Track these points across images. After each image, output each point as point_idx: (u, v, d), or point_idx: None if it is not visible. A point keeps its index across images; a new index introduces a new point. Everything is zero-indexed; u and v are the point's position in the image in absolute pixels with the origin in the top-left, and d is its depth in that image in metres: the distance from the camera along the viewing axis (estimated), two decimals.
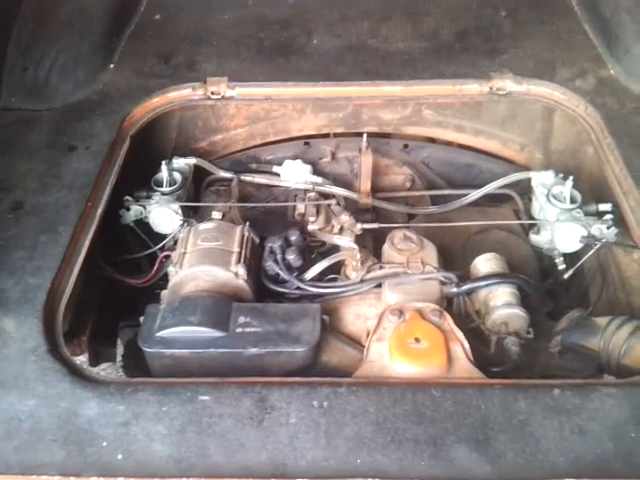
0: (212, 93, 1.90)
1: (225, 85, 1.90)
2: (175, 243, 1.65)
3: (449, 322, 1.34)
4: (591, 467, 1.04)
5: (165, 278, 1.60)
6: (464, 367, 1.26)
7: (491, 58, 1.99)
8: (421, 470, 1.04)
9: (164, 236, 1.74)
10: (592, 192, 1.83)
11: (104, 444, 1.08)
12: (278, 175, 1.95)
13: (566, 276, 1.74)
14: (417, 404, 1.13)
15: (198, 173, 1.93)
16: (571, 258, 1.76)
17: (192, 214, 1.80)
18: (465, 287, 1.49)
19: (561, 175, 1.83)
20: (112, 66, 1.99)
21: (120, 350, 1.74)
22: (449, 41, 2.06)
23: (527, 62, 1.98)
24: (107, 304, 1.73)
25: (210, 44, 2.07)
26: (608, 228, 1.67)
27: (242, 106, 1.99)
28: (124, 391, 1.17)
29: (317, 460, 1.05)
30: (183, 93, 1.90)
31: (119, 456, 1.07)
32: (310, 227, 1.69)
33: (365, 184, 1.93)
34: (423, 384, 1.19)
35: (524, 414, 1.11)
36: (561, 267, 1.76)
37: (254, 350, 1.31)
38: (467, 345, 1.30)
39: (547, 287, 1.74)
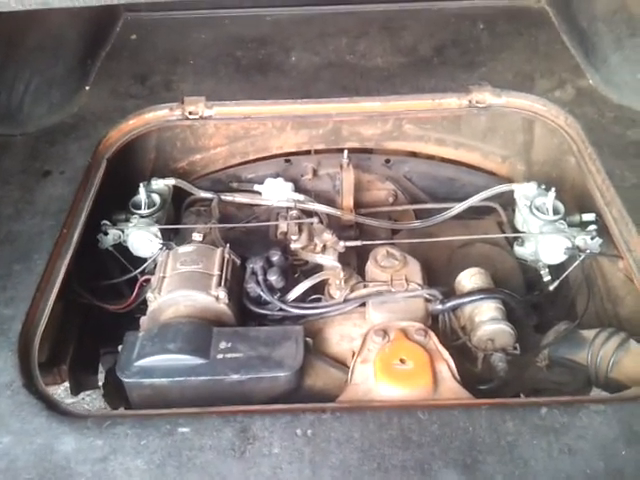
0: (190, 113, 1.87)
1: (203, 105, 1.87)
2: (155, 266, 1.62)
3: (434, 341, 1.32)
4: None
5: (146, 302, 1.57)
6: (450, 387, 1.24)
7: (470, 71, 1.99)
8: None
9: (144, 260, 1.71)
10: (575, 203, 1.83)
11: None
12: (259, 194, 1.93)
13: (552, 288, 1.72)
14: (403, 428, 1.10)
15: (178, 194, 1.91)
16: (556, 269, 1.75)
17: (172, 236, 1.78)
18: (450, 304, 1.46)
19: (543, 186, 1.83)
20: (87, 88, 1.96)
21: (102, 377, 1.71)
22: (427, 55, 2.06)
23: (506, 74, 1.98)
24: (87, 331, 1.69)
25: (187, 63, 2.05)
26: (592, 239, 1.66)
27: (221, 125, 1.98)
28: (102, 425, 1.13)
29: None
30: (160, 114, 1.87)
31: None
32: (293, 246, 1.67)
33: (347, 200, 1.91)
34: (409, 407, 1.16)
35: (512, 435, 1.08)
36: (546, 279, 1.75)
37: (235, 377, 1.28)
38: (453, 364, 1.28)
39: (533, 300, 1.72)
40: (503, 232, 1.88)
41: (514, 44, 2.11)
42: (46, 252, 1.45)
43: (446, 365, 1.28)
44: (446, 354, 1.29)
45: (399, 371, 1.24)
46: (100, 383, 1.71)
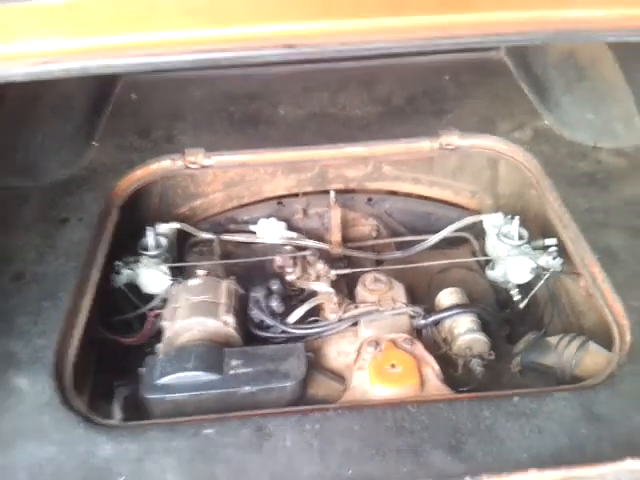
0: (190, 163, 2.05)
1: (202, 155, 2.05)
2: (164, 302, 1.80)
3: (420, 348, 1.51)
4: (550, 459, 1.20)
5: (154, 335, 1.73)
6: (435, 386, 1.43)
7: (438, 118, 2.20)
8: (404, 474, 1.18)
9: (151, 296, 1.88)
10: (538, 229, 2.04)
11: (121, 479, 1.20)
12: (255, 233, 2.13)
13: (521, 305, 1.93)
14: (396, 420, 1.28)
15: (181, 235, 2.09)
16: (525, 289, 1.96)
17: (179, 274, 1.96)
18: (431, 318, 1.66)
19: (509, 216, 2.04)
20: (95, 144, 2.14)
21: (116, 408, 1.84)
22: (400, 105, 2.28)
23: (471, 119, 2.19)
24: (102, 364, 1.84)
25: (185, 119, 2.24)
26: (554, 259, 1.87)
27: (219, 173, 2.18)
28: (134, 432, 1.29)
29: (313, 475, 1.19)
30: (163, 165, 2.05)
31: None
32: (289, 277, 1.86)
33: (336, 236, 2.11)
34: (400, 403, 1.34)
35: (490, 420, 1.27)
36: (516, 298, 1.95)
37: (247, 388, 1.45)
38: (437, 367, 1.47)
39: (505, 317, 1.93)
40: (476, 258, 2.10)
41: (477, 92, 2.33)
42: (70, 290, 1.62)
43: (431, 368, 1.47)
44: (431, 359, 1.49)
45: (390, 374, 1.43)
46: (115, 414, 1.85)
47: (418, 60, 2.47)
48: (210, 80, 2.44)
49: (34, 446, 1.27)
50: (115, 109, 2.33)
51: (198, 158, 2.06)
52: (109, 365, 1.84)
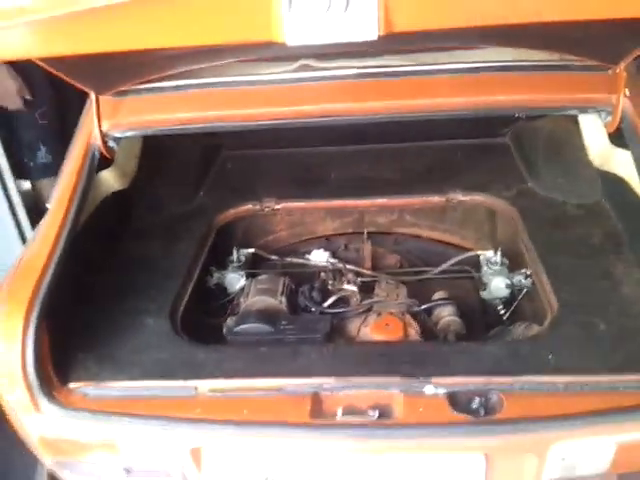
0: (265, 207, 2.85)
1: (274, 202, 2.84)
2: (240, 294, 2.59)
3: (408, 318, 2.22)
4: (481, 373, 1.85)
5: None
6: (415, 338, 2.13)
7: (448, 180, 2.86)
8: (381, 373, 1.86)
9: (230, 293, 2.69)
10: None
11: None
12: (309, 260, 2.92)
13: (505, 317, 2.59)
14: (382, 350, 1.99)
15: (257, 259, 2.90)
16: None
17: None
18: (423, 307, 2.37)
19: (499, 252, 2.73)
20: (201, 194, 3.02)
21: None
22: (421, 172, 2.98)
23: (472, 183, 2.85)
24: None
25: (264, 180, 3.01)
26: (525, 279, 2.53)
27: (284, 216, 3.01)
28: (218, 349, 2.07)
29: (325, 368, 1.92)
30: (247, 207, 2.87)
31: None
32: (329, 282, 2.61)
33: (367, 264, 2.85)
34: (387, 343, 2.05)
35: (447, 354, 1.94)
36: (502, 312, 2.62)
37: (291, 336, 2.19)
38: (418, 328, 2.17)
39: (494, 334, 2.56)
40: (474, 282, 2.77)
41: (481, 165, 2.99)
42: (181, 277, 2.44)
43: (413, 329, 2.17)
44: (414, 324, 2.19)
45: (386, 328, 2.14)
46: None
47: (438, 143, 3.19)
48: (284, 155, 3.26)
49: (156, 352, 2.05)
50: (216, 173, 3.20)
51: (270, 204, 2.85)
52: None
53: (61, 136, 3.86)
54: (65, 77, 2.18)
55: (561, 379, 1.80)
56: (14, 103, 3.74)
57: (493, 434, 1.73)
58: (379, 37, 1.67)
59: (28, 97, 3.76)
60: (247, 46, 2.12)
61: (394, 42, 2.12)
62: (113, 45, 1.81)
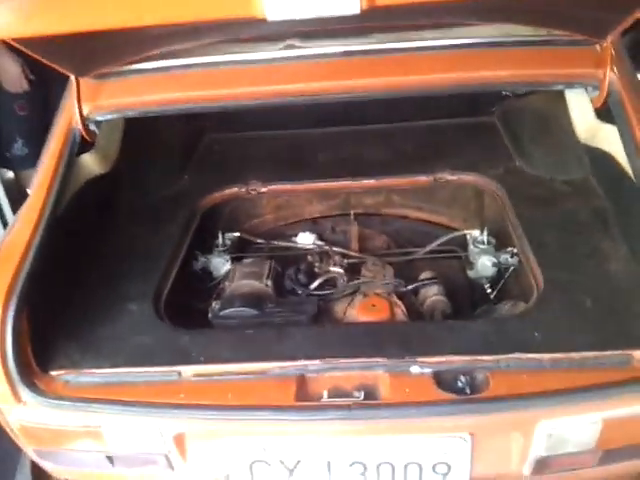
0: (251, 190, 2.83)
1: (260, 185, 2.82)
2: (225, 278, 2.56)
3: (394, 298, 2.20)
4: (466, 351, 1.84)
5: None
6: (401, 318, 2.11)
7: (436, 160, 2.85)
8: (368, 354, 1.83)
9: (216, 278, 2.66)
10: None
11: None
12: (296, 242, 2.89)
13: (492, 296, 2.58)
14: (368, 330, 1.97)
15: (242, 243, 2.88)
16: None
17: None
18: (410, 287, 2.35)
19: (485, 231, 2.72)
20: (186, 177, 2.99)
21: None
22: (408, 152, 2.97)
23: (460, 162, 2.84)
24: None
25: (250, 162, 2.99)
26: (511, 256, 2.52)
27: (270, 199, 2.98)
28: (203, 332, 2.05)
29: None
30: (232, 191, 2.84)
31: None
32: (315, 264, 2.59)
33: (354, 245, 2.83)
34: (373, 323, 2.03)
35: (431, 333, 1.94)
36: (488, 291, 2.61)
37: (278, 319, 2.17)
38: (404, 309, 2.15)
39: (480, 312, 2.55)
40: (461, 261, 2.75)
41: (468, 145, 3.00)
42: (165, 261, 2.41)
43: (400, 309, 2.15)
44: (401, 304, 2.17)
45: (372, 309, 2.12)
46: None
47: (425, 123, 3.19)
48: (269, 138, 3.26)
49: (139, 338, 2.02)
50: (201, 156, 3.17)
51: (256, 187, 2.84)
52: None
53: (41, 129, 3.80)
54: (43, 60, 2.12)
55: (547, 356, 1.79)
56: (20, 86, 3.75)
57: (479, 413, 1.72)
58: (362, 11, 1.64)
59: (32, 77, 3.75)
60: (228, 24, 2.08)
61: (377, 17, 2.08)
62: (91, 24, 1.76)
